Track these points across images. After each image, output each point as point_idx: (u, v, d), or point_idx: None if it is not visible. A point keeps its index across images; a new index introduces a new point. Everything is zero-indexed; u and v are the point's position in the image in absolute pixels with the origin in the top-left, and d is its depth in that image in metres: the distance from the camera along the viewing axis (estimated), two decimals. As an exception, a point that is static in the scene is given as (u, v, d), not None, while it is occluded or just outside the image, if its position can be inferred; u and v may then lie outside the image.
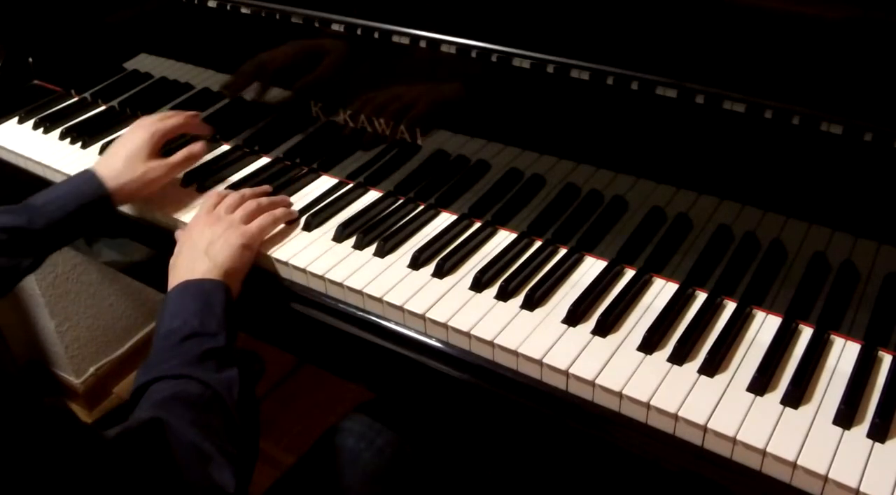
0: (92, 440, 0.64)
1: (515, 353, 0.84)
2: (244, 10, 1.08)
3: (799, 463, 0.71)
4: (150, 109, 1.33)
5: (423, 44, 0.95)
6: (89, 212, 1.03)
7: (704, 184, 0.86)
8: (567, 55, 0.86)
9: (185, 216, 1.09)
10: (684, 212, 0.89)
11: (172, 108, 1.30)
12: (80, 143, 1.27)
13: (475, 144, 1.00)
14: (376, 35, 0.98)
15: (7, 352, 1.78)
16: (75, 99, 1.41)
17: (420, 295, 0.92)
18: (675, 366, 0.81)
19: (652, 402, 0.77)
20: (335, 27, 1.01)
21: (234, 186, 1.14)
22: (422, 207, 1.07)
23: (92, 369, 1.87)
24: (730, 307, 0.89)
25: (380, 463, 0.98)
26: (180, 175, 1.15)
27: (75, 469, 0.60)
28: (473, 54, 0.92)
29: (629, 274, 0.94)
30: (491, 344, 0.85)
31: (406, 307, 0.90)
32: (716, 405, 0.77)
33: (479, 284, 0.92)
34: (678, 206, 0.89)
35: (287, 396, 1.86)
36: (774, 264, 0.86)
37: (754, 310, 0.88)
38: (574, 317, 0.87)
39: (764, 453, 0.72)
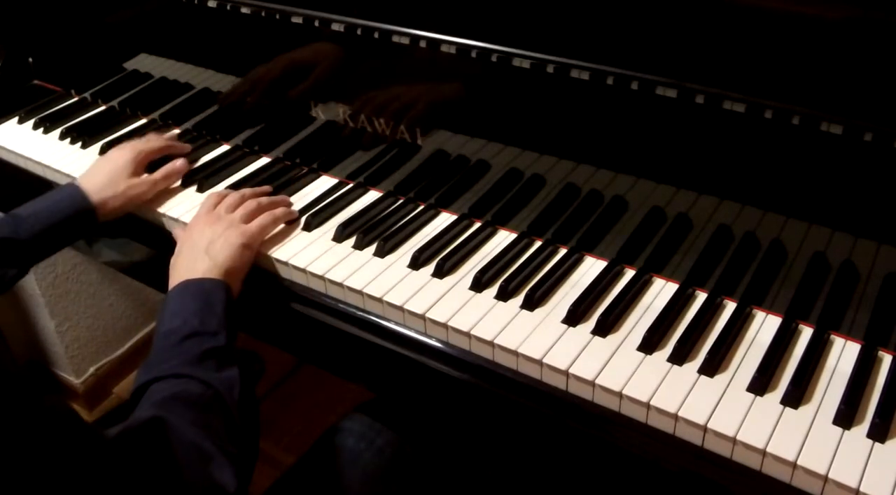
0: (93, 439, 0.64)
1: (515, 353, 0.84)
2: (244, 10, 1.08)
3: (799, 463, 0.71)
4: (150, 109, 1.33)
5: (423, 44, 0.95)
6: (74, 225, 1.05)
7: (704, 184, 0.86)
8: (567, 55, 0.86)
9: (185, 216, 1.09)
10: (684, 212, 0.89)
11: (172, 108, 1.30)
12: (80, 143, 1.27)
13: (475, 144, 1.00)
14: (376, 35, 0.98)
15: (7, 351, 1.78)
16: (75, 99, 1.41)
17: (420, 295, 0.92)
18: (675, 366, 0.81)
19: (652, 402, 0.77)
20: (335, 27, 1.01)
21: (234, 186, 1.14)
22: (422, 207, 1.07)
23: (92, 369, 1.87)
24: (730, 307, 0.89)
25: (380, 463, 0.98)
26: (179, 180, 1.16)
27: (76, 468, 0.60)
28: (473, 54, 0.92)
29: (629, 274, 0.94)
30: (491, 344, 0.85)
31: (406, 307, 0.90)
32: (716, 405, 0.77)
33: (479, 284, 0.92)
34: (678, 206, 0.89)
35: (287, 396, 1.86)
36: (774, 264, 0.86)
37: (754, 310, 0.88)
38: (574, 317, 0.87)
39: (764, 453, 0.72)
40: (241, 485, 0.73)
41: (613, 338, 0.85)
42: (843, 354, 0.83)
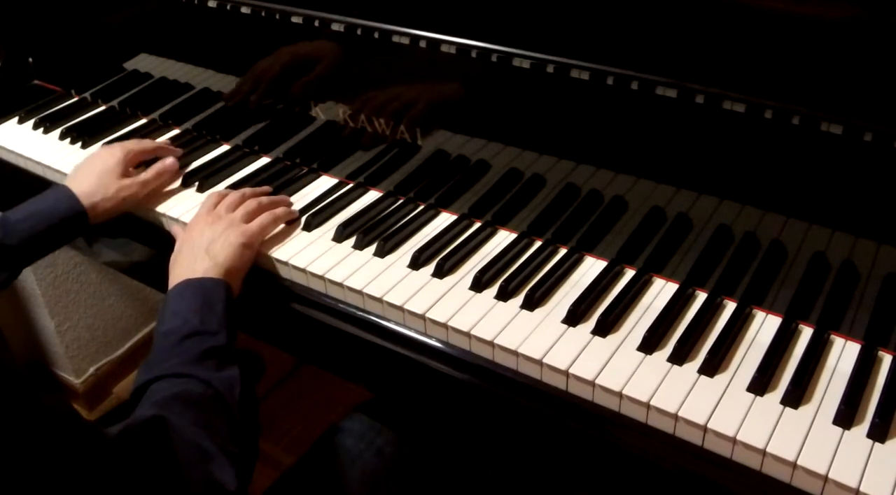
0: (93, 438, 0.64)
1: (515, 353, 0.84)
2: (244, 10, 1.08)
3: (799, 463, 0.71)
4: (150, 109, 1.33)
5: (423, 44, 0.95)
6: (66, 228, 1.04)
7: (704, 184, 0.86)
8: (567, 55, 0.86)
9: (185, 216, 1.09)
10: (684, 212, 0.89)
11: (172, 108, 1.30)
12: (80, 143, 1.27)
13: (475, 144, 1.00)
14: (376, 35, 0.98)
15: (7, 351, 1.78)
16: (75, 99, 1.41)
17: (420, 295, 0.92)
18: (675, 366, 0.81)
19: (652, 402, 0.77)
20: (335, 27, 1.01)
21: (234, 186, 1.14)
22: (422, 207, 1.07)
23: (92, 369, 1.87)
24: (730, 307, 0.89)
25: (380, 463, 0.98)
26: (179, 180, 1.16)
27: (76, 466, 0.60)
28: (473, 54, 0.92)
29: (629, 274, 0.94)
30: (491, 344, 0.85)
31: (406, 307, 0.90)
32: (716, 405, 0.77)
33: (479, 284, 0.92)
34: (678, 206, 0.89)
35: (287, 396, 1.86)
36: (774, 264, 0.86)
37: (754, 310, 0.88)
38: (574, 317, 0.87)
39: (764, 453, 0.72)
40: (242, 485, 0.73)
41: (613, 338, 0.85)
42: (843, 354, 0.83)
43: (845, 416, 0.75)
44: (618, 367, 0.81)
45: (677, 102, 0.82)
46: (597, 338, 0.85)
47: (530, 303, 0.89)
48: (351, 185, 1.13)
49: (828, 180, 0.79)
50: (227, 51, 1.18)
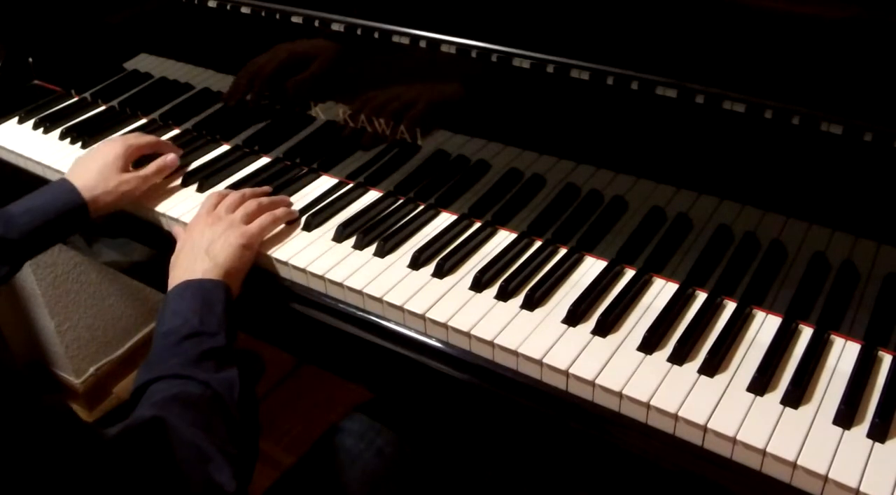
0: (91, 439, 0.64)
1: (515, 353, 0.84)
2: (244, 10, 1.08)
3: (799, 463, 0.71)
4: (150, 109, 1.33)
5: (423, 44, 0.95)
6: (67, 222, 1.04)
7: (704, 184, 0.86)
8: (567, 55, 0.86)
9: (186, 216, 1.09)
10: (684, 212, 0.89)
11: (172, 108, 1.30)
12: (80, 143, 1.27)
13: (475, 144, 1.00)
14: (376, 35, 0.98)
15: (7, 351, 1.78)
16: (75, 99, 1.41)
17: (420, 295, 0.92)
18: (675, 366, 0.81)
19: (652, 402, 0.77)
20: (335, 27, 1.01)
21: (234, 186, 1.14)
22: (422, 207, 1.07)
23: (92, 369, 1.87)
24: (730, 307, 0.89)
25: (380, 463, 0.98)
26: (179, 180, 1.16)
27: (75, 467, 0.60)
28: (473, 54, 0.92)
29: (629, 274, 0.94)
30: (491, 344, 0.85)
31: (406, 307, 0.90)
32: (716, 405, 0.77)
33: (479, 284, 0.92)
34: (678, 206, 0.89)
35: (287, 396, 1.86)
36: (774, 264, 0.86)
37: (754, 310, 0.88)
38: (574, 317, 0.87)
39: (764, 453, 0.72)
40: (241, 486, 0.73)
41: (613, 338, 0.85)
42: (843, 354, 0.83)
43: (845, 416, 0.75)
44: (618, 367, 0.81)
45: (677, 102, 0.82)
46: (597, 338, 0.85)
47: (530, 303, 0.89)
48: (351, 185, 1.13)
49: (828, 180, 0.79)
50: (228, 51, 1.18)
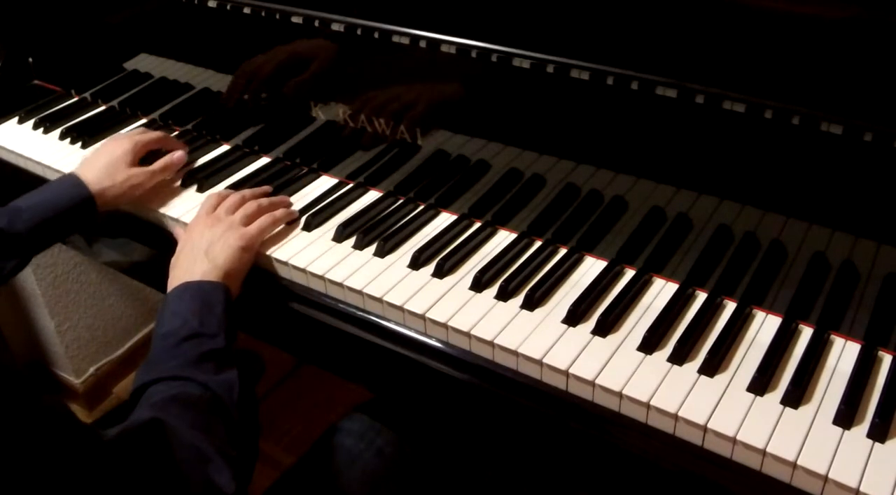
0: (90, 440, 0.64)
1: (515, 353, 0.84)
2: (244, 10, 1.08)
3: (799, 463, 0.71)
4: (150, 109, 1.33)
5: (423, 44, 0.95)
6: (74, 216, 1.04)
7: (704, 184, 0.86)
8: (567, 55, 0.86)
9: (186, 216, 1.09)
10: (684, 212, 0.89)
11: (172, 108, 1.30)
12: (80, 143, 1.27)
13: (475, 144, 1.00)
14: (376, 35, 0.98)
15: (7, 351, 1.78)
16: (75, 99, 1.41)
17: (420, 295, 0.92)
18: (675, 366, 0.81)
19: (652, 402, 0.77)
20: (335, 27, 1.01)
21: (234, 186, 1.14)
22: (422, 207, 1.07)
23: (92, 369, 1.87)
24: (730, 307, 0.89)
25: (380, 463, 0.98)
26: (179, 180, 1.16)
27: (73, 468, 0.60)
28: (473, 54, 0.92)
29: (629, 274, 0.94)
30: (491, 344, 0.85)
31: (406, 307, 0.90)
32: (716, 405, 0.77)
33: (479, 284, 0.92)
34: (678, 206, 0.89)
35: (287, 396, 1.86)
36: (774, 264, 0.86)
37: (754, 310, 0.88)
38: (574, 317, 0.87)
39: (764, 453, 0.72)
40: (240, 487, 0.73)
41: (613, 338, 0.85)
42: (843, 354, 0.83)
43: (845, 416, 0.75)
44: (618, 367, 0.81)
45: (677, 102, 0.82)
46: (597, 338, 0.85)
47: (530, 303, 0.89)
48: (351, 185, 1.13)
49: (828, 180, 0.79)
50: (228, 51, 1.18)
